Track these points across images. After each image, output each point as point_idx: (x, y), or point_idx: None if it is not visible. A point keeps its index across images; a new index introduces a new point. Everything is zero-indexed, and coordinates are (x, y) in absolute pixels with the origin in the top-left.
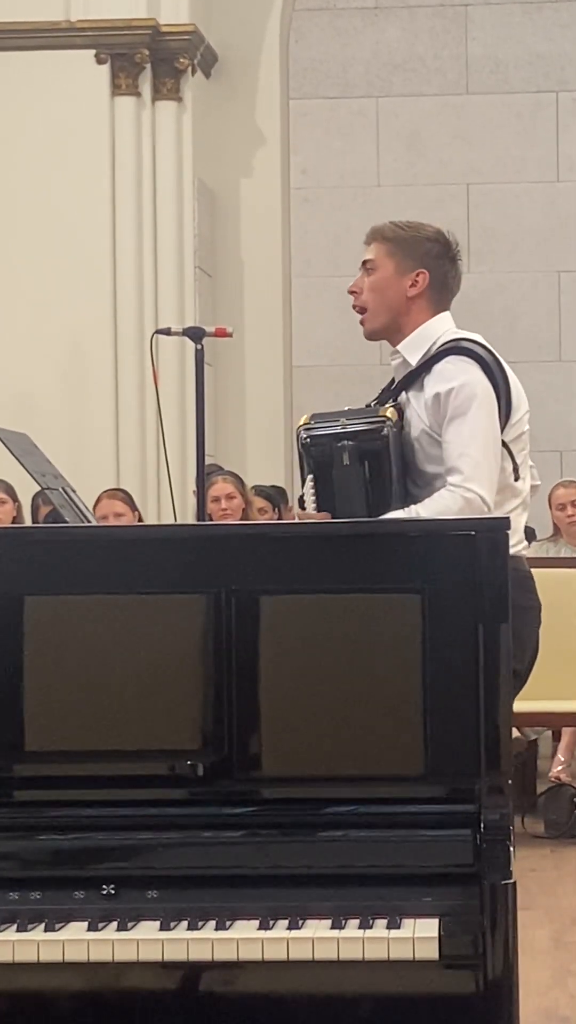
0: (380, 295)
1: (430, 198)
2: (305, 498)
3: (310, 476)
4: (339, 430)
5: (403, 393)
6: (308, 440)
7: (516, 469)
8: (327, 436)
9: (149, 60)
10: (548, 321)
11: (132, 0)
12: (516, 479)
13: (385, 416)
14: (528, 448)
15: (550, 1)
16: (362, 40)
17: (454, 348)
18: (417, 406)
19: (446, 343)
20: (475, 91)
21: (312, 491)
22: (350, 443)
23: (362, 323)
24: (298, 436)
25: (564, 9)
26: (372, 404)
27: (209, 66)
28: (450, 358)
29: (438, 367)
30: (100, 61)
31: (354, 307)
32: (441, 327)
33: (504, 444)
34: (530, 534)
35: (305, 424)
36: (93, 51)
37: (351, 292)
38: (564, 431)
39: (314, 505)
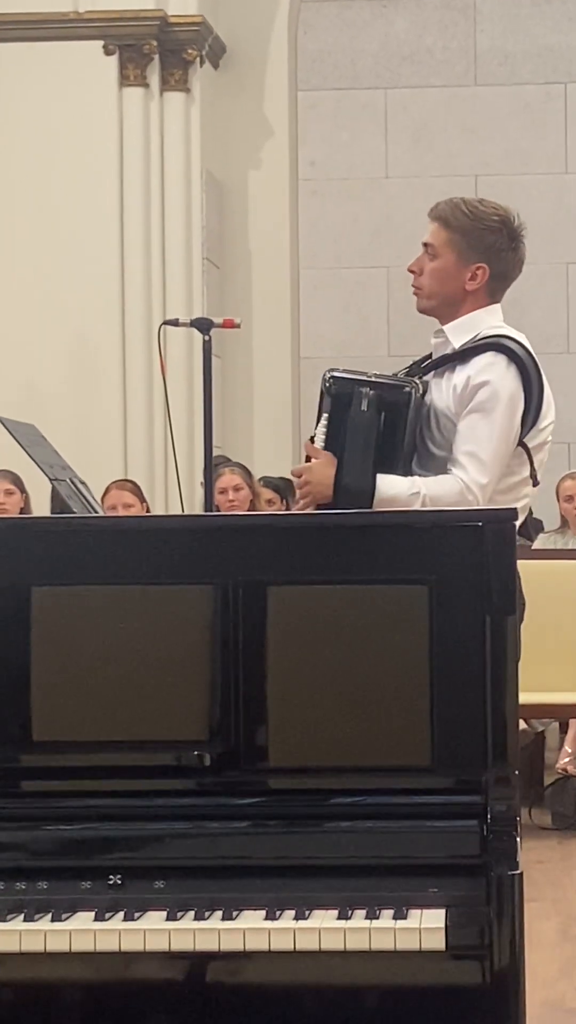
0: (439, 283)
1: (438, 190)
2: (316, 436)
3: (325, 415)
4: (365, 379)
5: (434, 372)
6: (331, 380)
7: (535, 475)
8: (350, 380)
9: (157, 51)
10: (556, 313)
11: None
12: (535, 484)
13: (413, 381)
14: (546, 458)
15: None
16: (370, 32)
17: (497, 345)
18: (446, 388)
19: (492, 336)
20: (483, 83)
21: (324, 430)
22: (371, 391)
23: (415, 295)
24: (323, 378)
25: (572, 1)
26: (407, 368)
27: (217, 57)
28: (490, 354)
29: (477, 358)
30: (108, 52)
31: (413, 285)
32: (491, 319)
33: (525, 448)
34: (537, 526)
35: (329, 369)
36: (101, 42)
37: (411, 271)
38: (572, 423)
39: (323, 443)
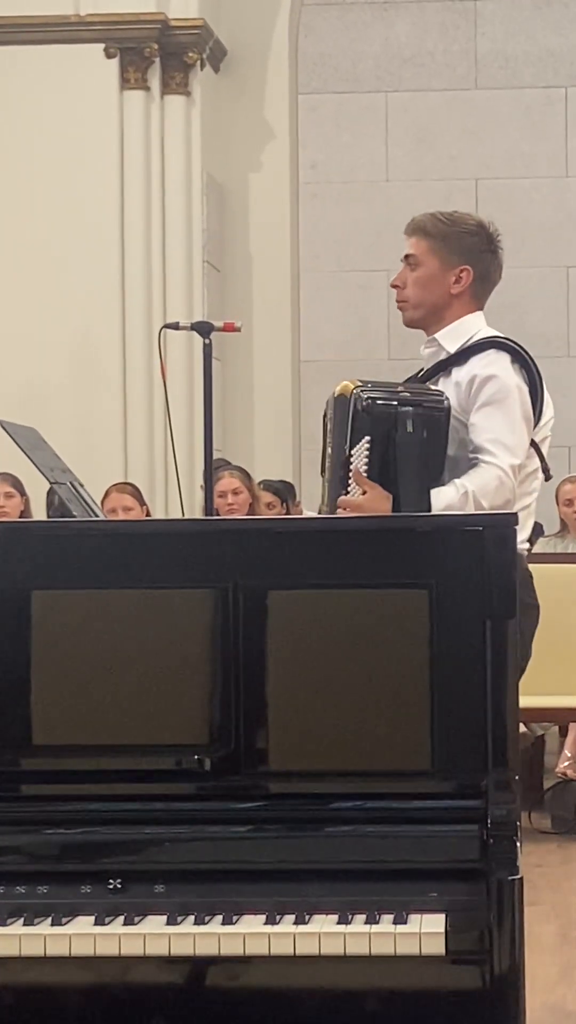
0: (424, 291)
1: (439, 193)
2: (354, 460)
3: (366, 438)
4: (402, 397)
5: (431, 379)
6: (369, 402)
7: (547, 469)
8: (390, 401)
9: (158, 54)
10: (557, 316)
11: None
12: (548, 478)
13: (440, 391)
14: (546, 453)
15: None
16: (371, 35)
17: (498, 343)
18: (449, 389)
19: (487, 337)
20: (484, 86)
21: (367, 455)
22: (413, 409)
23: (400, 309)
24: (350, 399)
25: (573, 4)
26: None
27: (218, 60)
28: (492, 351)
29: (478, 356)
30: (109, 55)
31: (397, 301)
32: (479, 324)
33: (532, 442)
34: (537, 530)
35: (357, 386)
36: (102, 45)
37: (394, 286)
38: (572, 426)
39: (365, 469)
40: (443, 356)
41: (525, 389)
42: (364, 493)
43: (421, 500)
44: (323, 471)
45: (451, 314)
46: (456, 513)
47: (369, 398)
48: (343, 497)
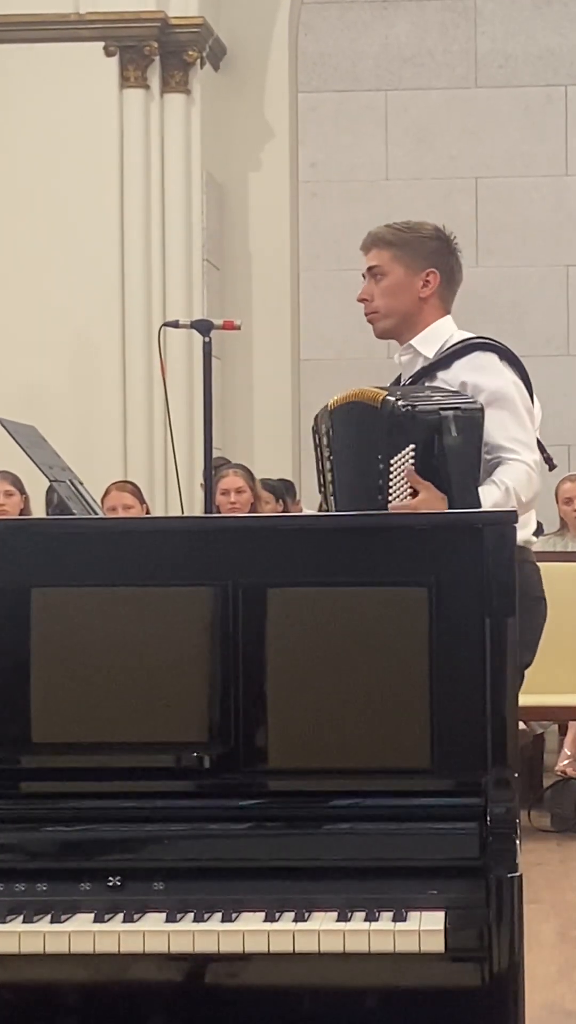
0: (393, 299)
1: (439, 192)
2: (396, 467)
3: (411, 446)
4: (439, 401)
5: (420, 383)
6: (409, 409)
7: (548, 458)
8: (430, 406)
9: (158, 53)
10: (556, 315)
11: None
12: (552, 467)
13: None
14: None
15: None
16: (371, 34)
17: (483, 345)
18: None
19: (468, 339)
20: (484, 85)
21: (412, 462)
22: (454, 413)
23: (371, 322)
24: (381, 408)
25: (573, 3)
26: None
27: (218, 59)
28: (479, 353)
29: (469, 360)
30: (109, 53)
31: (366, 314)
32: (451, 327)
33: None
34: (537, 528)
35: (387, 394)
36: (102, 43)
37: (361, 300)
38: (572, 425)
39: (404, 482)
40: (421, 362)
41: (521, 384)
42: (414, 494)
43: (473, 499)
44: (321, 488)
45: (422, 319)
46: (454, 511)
47: (408, 405)
48: (398, 503)
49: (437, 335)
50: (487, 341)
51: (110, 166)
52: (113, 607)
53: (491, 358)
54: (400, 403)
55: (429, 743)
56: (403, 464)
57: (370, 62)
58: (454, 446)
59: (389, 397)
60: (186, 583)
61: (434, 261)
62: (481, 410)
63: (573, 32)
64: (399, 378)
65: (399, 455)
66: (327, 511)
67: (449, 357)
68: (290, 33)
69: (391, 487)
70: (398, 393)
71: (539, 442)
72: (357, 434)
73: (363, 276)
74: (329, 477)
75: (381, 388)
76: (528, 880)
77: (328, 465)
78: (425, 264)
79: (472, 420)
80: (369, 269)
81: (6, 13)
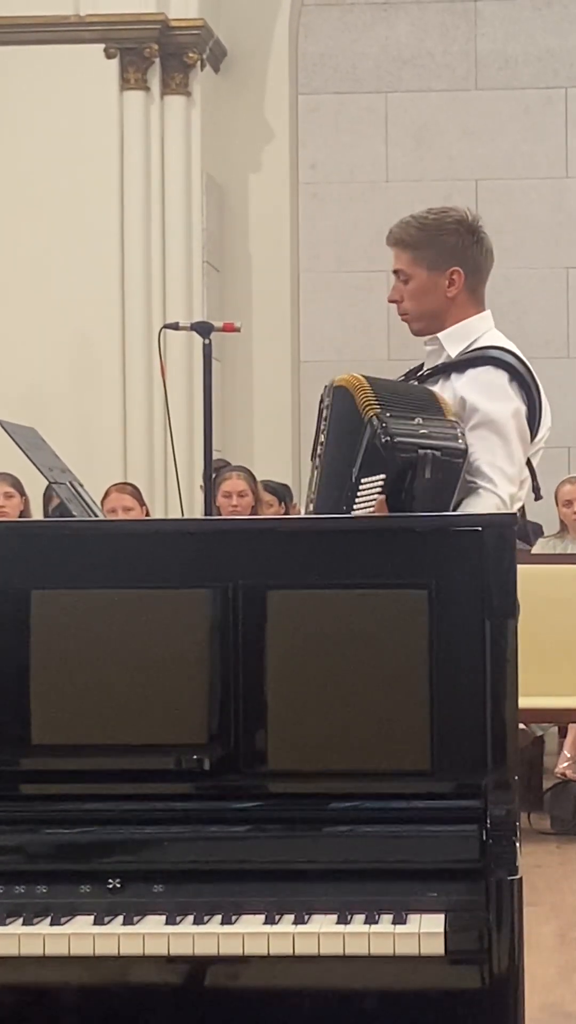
0: (421, 302)
1: (439, 194)
2: (364, 489)
3: (381, 476)
4: (424, 436)
5: (429, 380)
6: (390, 441)
7: (537, 489)
8: (410, 440)
9: (158, 54)
10: (556, 317)
11: None
12: (537, 498)
13: (457, 422)
14: (537, 461)
15: None
16: (371, 35)
17: (495, 360)
18: (444, 395)
19: (488, 347)
20: (484, 87)
21: (379, 489)
22: (433, 454)
23: (406, 322)
24: (366, 424)
25: (573, 5)
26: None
27: (218, 61)
28: (490, 368)
29: (477, 373)
30: (109, 55)
31: (399, 315)
32: (483, 326)
33: (527, 462)
34: (536, 530)
35: (374, 412)
36: (102, 45)
37: (392, 301)
38: (572, 427)
39: (376, 499)
40: (444, 357)
41: (523, 411)
42: None
43: None
44: (314, 456)
45: (453, 317)
46: (456, 514)
47: (389, 436)
48: None
49: (467, 333)
50: (501, 357)
51: (110, 168)
52: (113, 609)
53: (500, 378)
54: (382, 429)
55: (429, 745)
56: (372, 487)
57: (370, 63)
58: (425, 488)
59: (375, 417)
60: (186, 585)
61: (457, 258)
62: (463, 452)
63: (573, 34)
64: (421, 366)
65: (370, 479)
66: (311, 480)
67: (464, 363)
68: (290, 35)
69: (357, 504)
70: (387, 416)
71: (531, 469)
72: (343, 427)
73: (393, 273)
74: (320, 450)
75: (376, 391)
76: (528, 882)
77: (322, 438)
78: (448, 263)
79: (450, 465)
80: (395, 272)
81: (6, 15)
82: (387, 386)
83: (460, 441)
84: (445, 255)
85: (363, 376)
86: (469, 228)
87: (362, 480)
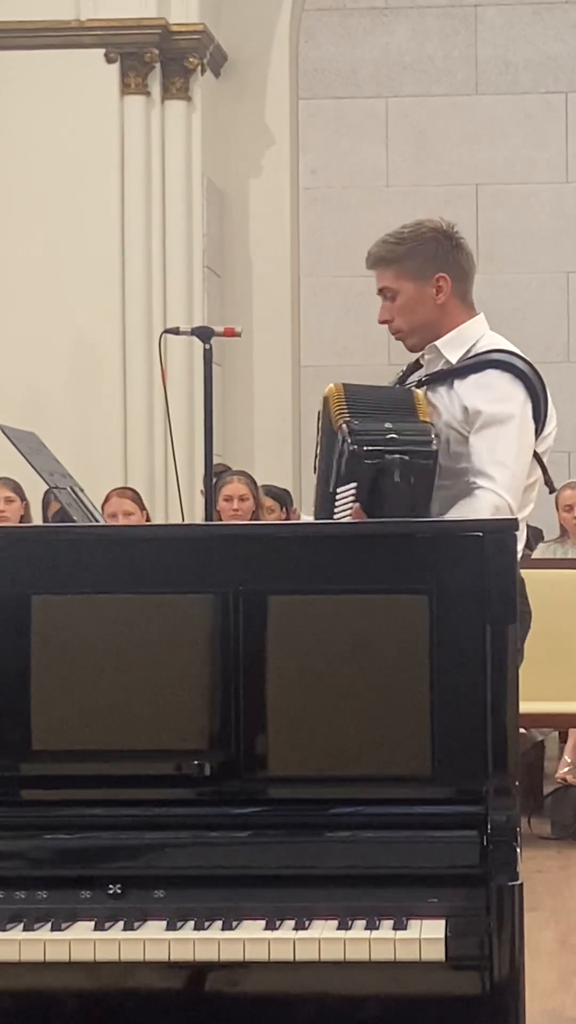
0: (412, 316)
1: (439, 199)
2: (340, 498)
3: (352, 484)
4: (391, 441)
5: (428, 386)
6: (357, 449)
7: (550, 481)
8: (378, 447)
9: (158, 59)
10: (557, 322)
11: None
12: (551, 491)
13: (430, 423)
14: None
15: (560, 2)
16: (372, 40)
17: (499, 363)
18: (449, 403)
19: (489, 350)
20: (484, 92)
21: (352, 497)
22: (400, 459)
23: (400, 340)
24: (337, 434)
25: (574, 10)
26: (397, 384)
27: (218, 66)
28: (494, 372)
29: (479, 377)
30: (110, 60)
31: (392, 334)
32: (480, 329)
33: (536, 455)
34: (537, 535)
35: (344, 421)
36: (103, 50)
37: (383, 323)
38: (573, 432)
39: (351, 508)
40: (443, 364)
41: (529, 410)
42: None
43: None
44: (315, 469)
45: (447, 324)
46: (456, 519)
47: (357, 444)
48: None
49: (464, 338)
50: (504, 359)
51: (111, 173)
52: (114, 614)
53: (502, 379)
54: (350, 438)
55: (430, 751)
56: (347, 495)
57: (370, 69)
58: (397, 492)
59: (344, 425)
60: (187, 590)
61: (440, 264)
62: (433, 455)
63: (573, 39)
64: (417, 364)
65: (345, 488)
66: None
67: (466, 369)
68: (291, 40)
69: (336, 513)
70: (355, 424)
71: (541, 462)
72: (326, 439)
73: (378, 295)
74: (315, 462)
75: (351, 401)
76: (528, 888)
77: (317, 450)
78: (433, 270)
79: (420, 468)
80: (380, 291)
81: (7, 20)
82: (362, 393)
83: (432, 443)
84: (428, 263)
85: (343, 384)
86: (446, 234)
87: (338, 490)
